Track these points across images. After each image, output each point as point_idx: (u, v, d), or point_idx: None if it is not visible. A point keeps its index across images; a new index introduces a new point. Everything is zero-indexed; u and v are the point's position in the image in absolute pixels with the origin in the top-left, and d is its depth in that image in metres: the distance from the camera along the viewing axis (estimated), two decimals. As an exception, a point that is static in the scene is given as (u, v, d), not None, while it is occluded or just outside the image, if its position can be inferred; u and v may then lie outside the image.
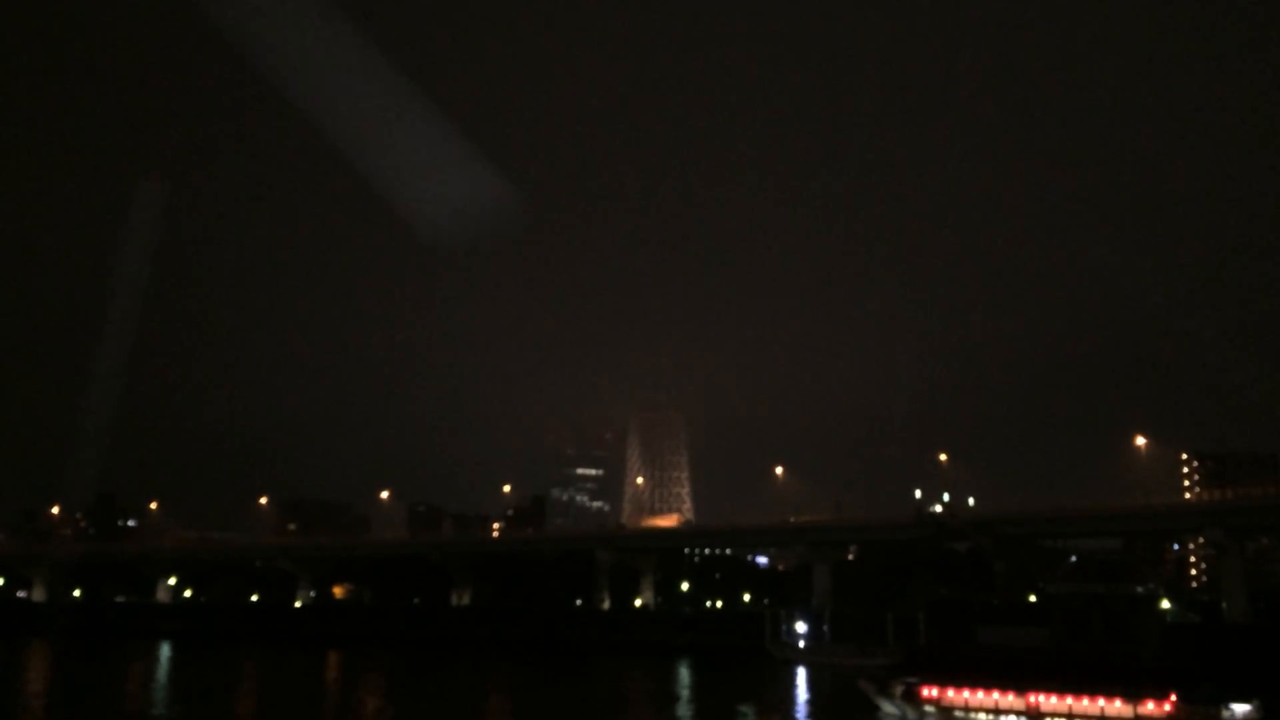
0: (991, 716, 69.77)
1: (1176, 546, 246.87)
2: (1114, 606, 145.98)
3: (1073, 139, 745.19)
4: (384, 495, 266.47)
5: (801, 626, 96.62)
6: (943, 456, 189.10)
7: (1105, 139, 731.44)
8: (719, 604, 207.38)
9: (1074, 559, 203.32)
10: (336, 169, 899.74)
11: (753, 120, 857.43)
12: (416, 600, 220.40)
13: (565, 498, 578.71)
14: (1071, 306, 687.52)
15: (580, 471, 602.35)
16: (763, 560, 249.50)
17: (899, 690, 74.28)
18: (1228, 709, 65.45)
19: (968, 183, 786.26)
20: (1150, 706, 65.26)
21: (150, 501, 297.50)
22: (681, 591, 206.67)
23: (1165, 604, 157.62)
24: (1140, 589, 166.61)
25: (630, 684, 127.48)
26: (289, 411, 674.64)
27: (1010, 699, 69.03)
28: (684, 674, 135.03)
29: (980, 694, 69.96)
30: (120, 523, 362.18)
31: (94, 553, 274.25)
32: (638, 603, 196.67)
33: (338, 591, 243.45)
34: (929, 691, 72.08)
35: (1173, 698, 65.11)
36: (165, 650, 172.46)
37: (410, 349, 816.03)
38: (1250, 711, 66.07)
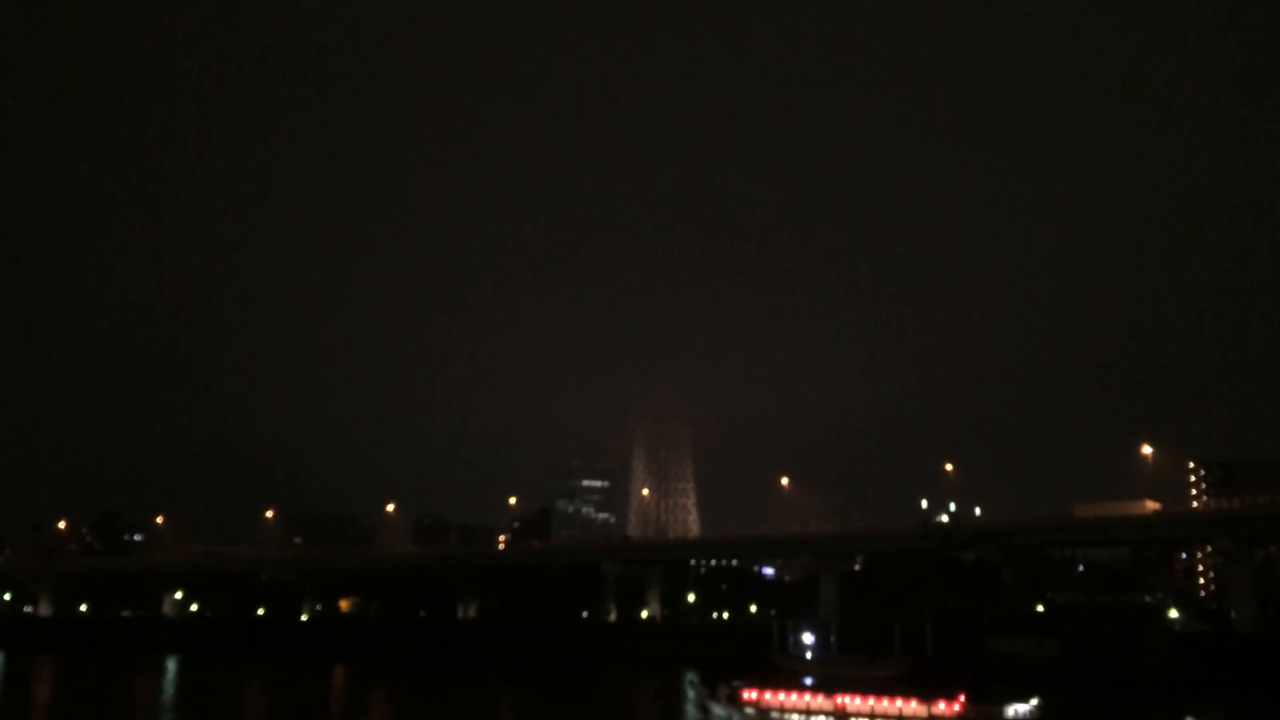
0: (804, 717, 76.90)
1: (1185, 555, 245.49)
2: (1122, 616, 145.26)
3: (1081, 146, 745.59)
4: (389, 508, 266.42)
5: (808, 638, 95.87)
6: (949, 466, 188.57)
7: (1113, 147, 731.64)
8: (725, 615, 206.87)
9: (1081, 568, 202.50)
10: (346, 182, 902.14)
11: (756, 130, 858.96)
12: (422, 613, 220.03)
13: (571, 510, 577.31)
14: (1079, 315, 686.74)
15: (586, 483, 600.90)
16: (769, 571, 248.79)
17: (725, 693, 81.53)
18: (1010, 708, 71.95)
19: (972, 189, 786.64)
20: (941, 707, 72.26)
21: (156, 515, 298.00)
22: (688, 603, 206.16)
23: (1174, 613, 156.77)
24: (1148, 598, 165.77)
25: (636, 696, 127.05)
26: (294, 425, 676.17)
27: (820, 701, 76.23)
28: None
29: (794, 696, 77.24)
30: (126, 537, 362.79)
31: (100, 567, 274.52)
32: (644, 615, 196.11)
33: (343, 605, 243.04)
34: (749, 694, 79.23)
35: (961, 698, 71.94)
36: (171, 664, 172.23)
37: (415, 363, 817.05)
38: (1031, 711, 72.58)
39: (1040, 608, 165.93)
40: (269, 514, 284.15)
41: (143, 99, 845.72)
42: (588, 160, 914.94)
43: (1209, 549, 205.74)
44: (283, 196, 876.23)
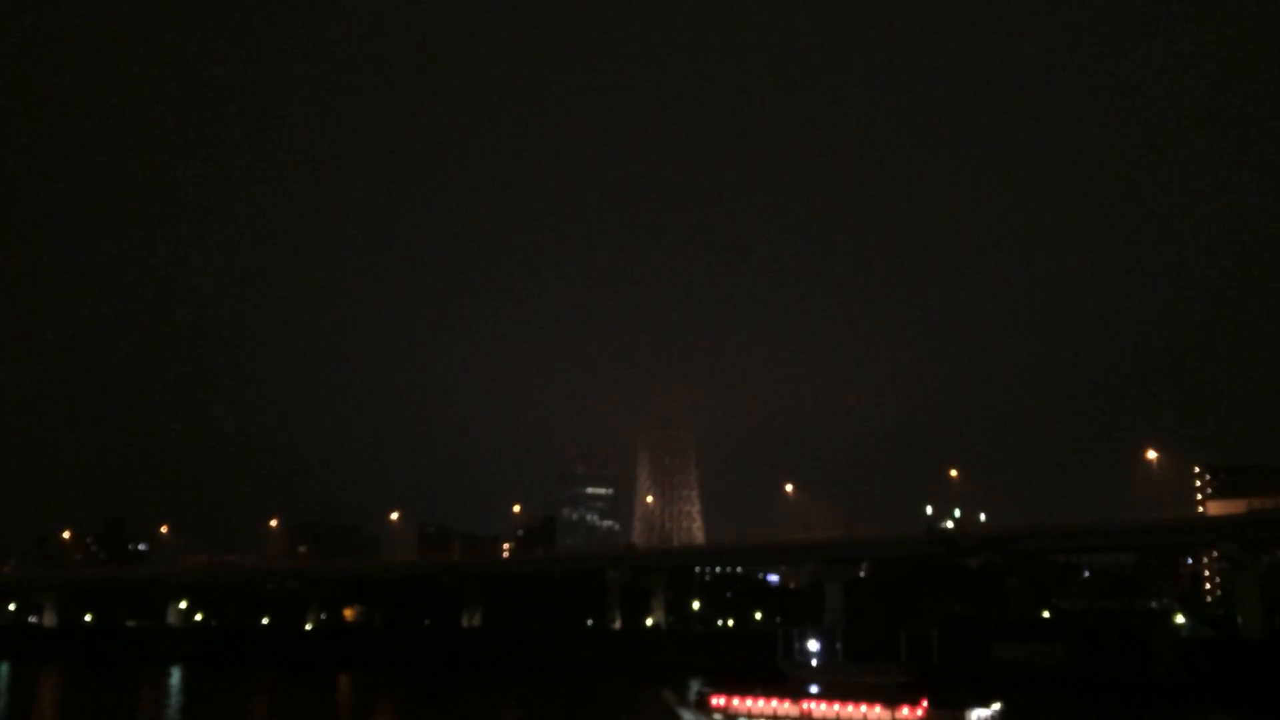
0: None
1: (1190, 561, 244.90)
2: (1128, 622, 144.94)
3: (1084, 152, 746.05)
4: (394, 516, 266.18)
5: (814, 645, 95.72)
6: (954, 472, 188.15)
7: (1116, 152, 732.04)
8: (730, 623, 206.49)
9: (1087, 574, 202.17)
10: (347, 192, 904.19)
11: (760, 139, 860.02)
12: (427, 622, 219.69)
13: (575, 517, 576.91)
14: (1083, 319, 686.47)
15: (590, 491, 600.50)
16: (774, 578, 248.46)
17: (693, 700, 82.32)
18: (973, 713, 71.88)
19: (975, 196, 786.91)
20: (905, 712, 72.22)
21: (160, 525, 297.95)
22: (693, 610, 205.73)
23: (1180, 619, 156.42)
24: (1154, 604, 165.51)
25: (641, 704, 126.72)
26: (299, 434, 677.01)
27: (786, 706, 76.43)
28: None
29: (760, 702, 77.53)
30: (130, 547, 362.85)
31: (104, 577, 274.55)
32: (649, 622, 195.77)
33: (348, 614, 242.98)
34: (717, 700, 79.68)
35: (924, 703, 72.11)
36: (176, 674, 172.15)
37: (420, 372, 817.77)
38: (993, 715, 72.55)
39: (1046, 614, 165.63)
40: (273, 523, 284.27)
41: (150, 98, 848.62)
42: (592, 169, 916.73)
43: (1215, 554, 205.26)
44: (289, 205, 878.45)
